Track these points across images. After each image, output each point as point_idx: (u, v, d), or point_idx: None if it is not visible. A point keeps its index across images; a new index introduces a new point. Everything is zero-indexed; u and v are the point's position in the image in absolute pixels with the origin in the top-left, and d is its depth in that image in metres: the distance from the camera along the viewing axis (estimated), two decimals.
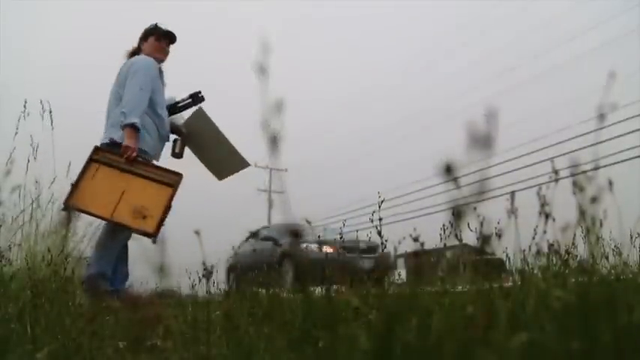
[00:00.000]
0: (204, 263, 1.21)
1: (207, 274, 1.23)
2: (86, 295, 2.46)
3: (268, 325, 1.26)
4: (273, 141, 0.81)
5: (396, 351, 0.77)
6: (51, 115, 3.24)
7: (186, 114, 3.38)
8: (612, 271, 2.06)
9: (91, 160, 2.78)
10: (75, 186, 2.67)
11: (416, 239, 1.25)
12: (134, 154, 2.80)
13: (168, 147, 3.35)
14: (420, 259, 1.34)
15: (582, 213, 0.96)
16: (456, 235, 1.15)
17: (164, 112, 3.12)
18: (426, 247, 1.30)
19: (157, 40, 3.22)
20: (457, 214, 0.73)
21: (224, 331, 1.35)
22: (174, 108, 3.29)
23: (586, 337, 0.74)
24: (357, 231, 3.52)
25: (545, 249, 1.30)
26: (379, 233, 2.56)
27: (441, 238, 2.29)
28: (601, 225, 1.26)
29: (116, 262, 2.84)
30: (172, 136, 3.36)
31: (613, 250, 2.96)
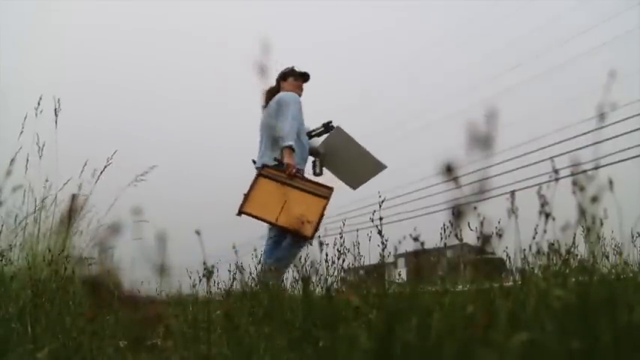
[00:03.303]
0: (204, 263, 1.21)
1: (208, 273, 1.23)
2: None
3: (269, 324, 1.26)
4: (274, 140, 0.81)
5: (396, 350, 0.77)
6: (57, 114, 3.25)
7: (317, 140, 4.00)
8: (613, 271, 2.06)
9: (259, 175, 3.37)
10: (247, 196, 3.27)
11: (416, 239, 1.25)
12: (294, 171, 3.37)
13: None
14: (421, 259, 1.34)
15: (582, 212, 0.96)
16: (457, 235, 1.15)
17: (305, 138, 3.79)
18: (427, 246, 1.30)
19: (296, 79, 3.88)
20: (457, 213, 0.73)
21: (224, 331, 1.35)
22: (309, 135, 3.95)
23: (586, 336, 0.74)
24: (357, 230, 3.52)
25: (546, 248, 1.29)
26: (379, 233, 2.56)
27: (442, 238, 2.29)
28: (601, 224, 1.25)
29: (270, 250, 3.52)
30: (310, 158, 3.96)
31: (613, 249, 2.96)
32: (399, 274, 3.35)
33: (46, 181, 3.24)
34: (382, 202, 3.86)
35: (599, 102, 0.97)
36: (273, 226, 3.36)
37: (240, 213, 3.23)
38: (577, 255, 1.57)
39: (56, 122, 3.29)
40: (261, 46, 0.81)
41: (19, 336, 1.48)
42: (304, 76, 3.93)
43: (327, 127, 3.91)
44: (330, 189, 3.34)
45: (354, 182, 3.94)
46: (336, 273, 3.00)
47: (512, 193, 1.19)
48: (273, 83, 3.88)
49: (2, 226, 3.04)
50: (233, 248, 2.18)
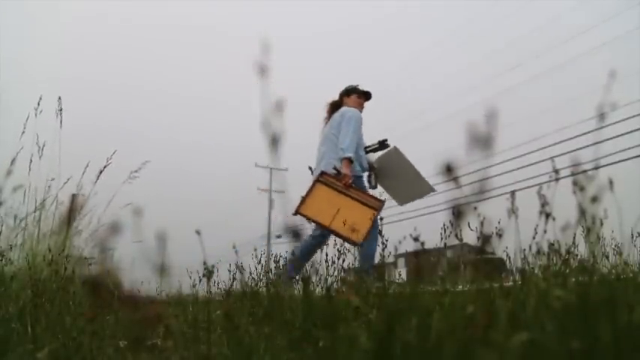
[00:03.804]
0: (204, 263, 1.21)
1: (208, 273, 1.23)
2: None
3: (269, 324, 1.26)
4: (274, 140, 0.81)
5: (397, 350, 0.77)
6: (61, 114, 3.25)
7: (372, 155, 4.26)
8: (613, 271, 2.06)
9: (317, 181, 3.63)
10: (304, 199, 3.51)
11: (416, 239, 1.25)
12: (350, 181, 3.63)
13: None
14: (421, 259, 1.34)
15: (583, 212, 0.96)
16: (457, 235, 1.15)
17: (363, 152, 4.08)
18: (427, 246, 1.30)
19: (359, 97, 4.17)
20: (457, 213, 0.73)
21: (224, 331, 1.35)
22: (365, 150, 4.19)
23: (586, 336, 0.74)
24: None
25: (546, 248, 1.29)
26: (380, 233, 2.56)
27: (442, 238, 2.29)
28: (601, 224, 1.25)
29: (303, 256, 3.69)
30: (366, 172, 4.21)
31: (613, 249, 2.96)
32: (399, 274, 3.35)
33: (51, 179, 3.24)
34: (382, 202, 3.86)
35: (599, 102, 0.96)
36: (324, 229, 3.54)
37: (296, 213, 3.45)
38: (577, 255, 1.57)
39: (61, 122, 3.29)
40: (261, 46, 0.81)
41: (19, 336, 1.48)
42: (366, 95, 4.21)
43: (382, 144, 4.17)
44: (382, 201, 3.61)
45: (402, 199, 4.18)
46: (336, 273, 3.00)
47: (513, 193, 1.19)
48: (336, 97, 4.21)
49: (2, 226, 3.03)
50: (233, 248, 2.18)
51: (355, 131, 3.82)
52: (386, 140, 4.17)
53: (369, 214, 3.46)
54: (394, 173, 4.07)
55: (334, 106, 4.14)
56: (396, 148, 4.03)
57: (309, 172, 4.15)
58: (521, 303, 0.93)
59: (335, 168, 3.76)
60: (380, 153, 4.19)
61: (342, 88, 4.23)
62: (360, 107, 4.13)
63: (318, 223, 3.53)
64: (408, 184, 3.99)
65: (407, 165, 3.93)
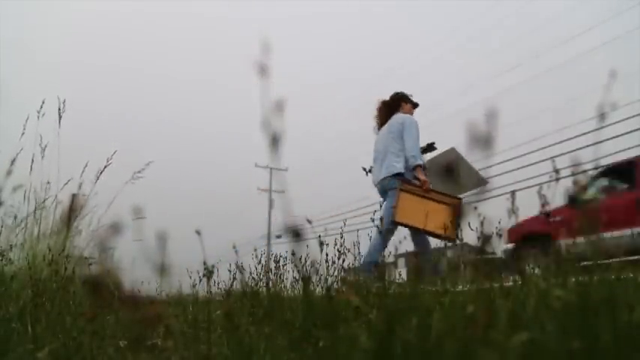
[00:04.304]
0: (204, 263, 1.21)
1: (208, 273, 1.23)
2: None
3: (269, 324, 1.26)
4: (274, 140, 0.81)
5: (397, 350, 0.77)
6: (60, 114, 3.24)
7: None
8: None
9: (400, 190, 3.97)
10: (395, 208, 3.90)
11: None
12: (429, 186, 3.96)
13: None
14: (421, 259, 1.34)
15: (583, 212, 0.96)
16: (457, 235, 1.15)
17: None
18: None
19: (412, 107, 4.48)
20: (457, 213, 0.73)
21: (224, 331, 1.35)
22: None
23: (586, 336, 0.74)
24: (357, 230, 3.52)
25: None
26: (380, 232, 2.57)
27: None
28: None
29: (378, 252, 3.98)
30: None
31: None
32: (399, 274, 3.36)
33: (48, 182, 3.24)
34: (383, 201, 3.86)
35: (599, 102, 0.97)
36: (422, 232, 3.89)
37: (396, 223, 3.87)
38: (577, 254, 1.57)
39: (59, 121, 3.28)
40: (261, 45, 0.81)
41: (19, 336, 1.48)
42: (416, 105, 4.54)
43: (430, 146, 4.51)
44: (460, 199, 3.90)
45: (461, 191, 4.42)
46: (336, 273, 3.00)
47: (513, 193, 1.19)
48: (386, 103, 4.49)
49: (2, 226, 3.03)
50: (233, 248, 2.18)
51: (418, 137, 4.15)
52: (433, 143, 4.51)
53: (451, 211, 3.74)
54: (452, 169, 4.29)
55: (387, 107, 4.41)
56: (454, 148, 4.35)
57: (364, 172, 4.43)
58: (521, 303, 0.93)
59: (415, 177, 4.08)
60: (430, 154, 4.51)
61: (394, 92, 4.49)
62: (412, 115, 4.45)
63: (415, 228, 3.85)
64: (465, 178, 4.23)
65: (463, 162, 4.15)
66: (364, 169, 4.39)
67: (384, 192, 4.21)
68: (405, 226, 3.89)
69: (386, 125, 4.31)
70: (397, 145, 4.14)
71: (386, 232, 3.85)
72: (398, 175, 4.09)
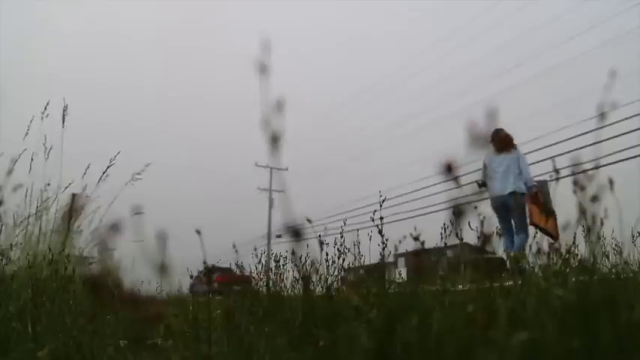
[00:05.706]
0: (205, 262, 1.21)
1: (208, 273, 1.23)
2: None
3: (269, 323, 1.26)
4: (274, 140, 0.81)
5: (397, 350, 0.77)
6: (64, 115, 3.25)
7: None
8: (613, 270, 2.06)
9: (530, 202, 5.37)
10: (531, 214, 5.32)
11: (416, 238, 1.25)
12: (542, 202, 5.40)
13: None
14: (421, 259, 1.34)
15: (583, 212, 0.96)
16: (457, 234, 1.15)
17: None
18: (427, 246, 1.30)
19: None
20: (458, 213, 0.73)
21: (225, 330, 1.35)
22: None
23: (586, 335, 0.74)
24: (357, 230, 3.52)
25: (546, 248, 1.30)
26: (380, 232, 2.57)
27: (442, 238, 2.30)
28: (602, 224, 1.25)
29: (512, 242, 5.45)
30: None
31: (614, 248, 2.96)
32: (399, 274, 3.36)
33: (48, 184, 3.24)
34: (383, 201, 3.87)
35: (599, 102, 0.97)
36: (544, 232, 4.98)
37: (535, 226, 5.15)
38: (577, 254, 1.57)
39: (63, 121, 3.28)
40: (261, 46, 0.81)
41: (19, 335, 1.49)
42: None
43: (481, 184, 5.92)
44: (553, 210, 5.28)
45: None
46: (336, 272, 3.01)
47: (513, 192, 1.18)
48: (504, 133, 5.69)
49: (2, 226, 3.03)
50: (233, 248, 2.18)
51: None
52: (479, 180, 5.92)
53: (554, 219, 5.33)
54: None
55: (504, 140, 5.71)
56: (546, 182, 5.71)
57: (477, 186, 5.37)
58: (521, 302, 0.93)
59: (521, 189, 5.48)
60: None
61: (509, 130, 5.78)
62: None
63: (543, 230, 5.03)
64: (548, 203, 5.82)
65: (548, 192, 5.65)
66: (477, 183, 5.37)
67: (507, 201, 5.53)
68: (537, 226, 5.17)
69: (505, 153, 5.63)
70: (517, 170, 5.57)
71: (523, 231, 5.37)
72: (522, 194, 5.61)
